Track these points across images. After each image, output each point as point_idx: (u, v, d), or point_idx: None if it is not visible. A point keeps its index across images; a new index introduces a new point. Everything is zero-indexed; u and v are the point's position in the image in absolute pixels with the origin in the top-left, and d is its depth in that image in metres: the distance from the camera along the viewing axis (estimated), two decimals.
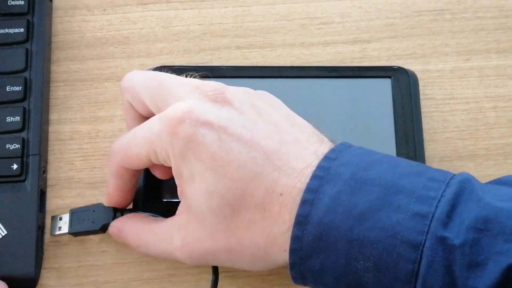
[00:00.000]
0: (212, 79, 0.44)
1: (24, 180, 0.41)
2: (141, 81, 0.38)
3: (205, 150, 0.34)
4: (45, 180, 0.43)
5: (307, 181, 0.33)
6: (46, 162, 0.44)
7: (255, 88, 0.43)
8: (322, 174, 0.33)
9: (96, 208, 0.41)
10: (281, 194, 0.33)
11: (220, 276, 0.41)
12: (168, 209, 0.39)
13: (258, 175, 0.34)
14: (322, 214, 0.32)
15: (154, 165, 0.38)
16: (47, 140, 0.44)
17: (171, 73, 0.42)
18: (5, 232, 0.40)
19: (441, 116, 0.46)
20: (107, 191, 0.40)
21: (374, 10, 0.49)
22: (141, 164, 0.37)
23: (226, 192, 0.34)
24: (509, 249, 0.29)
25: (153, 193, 0.41)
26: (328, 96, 0.44)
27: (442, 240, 0.30)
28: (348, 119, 0.44)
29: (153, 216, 0.39)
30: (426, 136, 0.44)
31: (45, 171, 0.43)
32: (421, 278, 0.30)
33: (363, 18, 0.49)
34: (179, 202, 0.38)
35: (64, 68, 0.47)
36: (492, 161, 0.45)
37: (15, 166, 0.41)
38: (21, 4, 0.46)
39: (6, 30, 0.45)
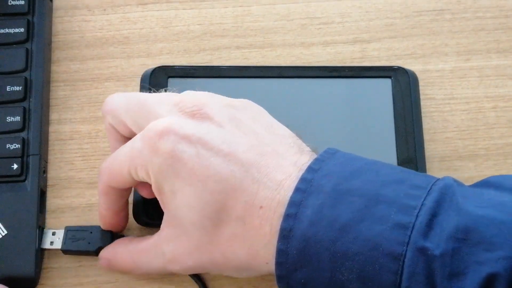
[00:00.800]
0: (212, 79, 0.45)
1: (24, 180, 0.41)
2: (121, 102, 0.38)
3: (184, 166, 0.34)
4: (45, 180, 0.43)
5: (288, 193, 0.33)
6: (46, 162, 0.44)
7: (255, 89, 0.44)
8: (305, 187, 0.33)
9: (94, 229, 0.41)
10: (261, 207, 0.33)
11: (219, 275, 0.41)
12: None
13: (237, 188, 0.34)
14: (305, 228, 0.32)
15: (139, 184, 0.39)
16: (47, 140, 0.44)
17: (170, 71, 0.43)
18: (5, 232, 0.40)
19: (441, 116, 0.46)
20: (99, 211, 0.40)
21: (374, 10, 0.49)
22: (124, 181, 0.37)
23: (205, 206, 0.34)
24: (489, 258, 0.29)
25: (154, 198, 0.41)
26: (329, 96, 0.44)
27: (423, 250, 0.30)
28: (348, 119, 0.44)
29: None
30: (426, 136, 0.44)
31: (45, 171, 0.43)
32: None
33: (363, 18, 0.49)
34: None
35: (64, 68, 0.47)
36: (492, 161, 0.45)
37: (15, 166, 0.41)
38: (21, 4, 0.46)
39: (6, 30, 0.45)
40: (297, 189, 0.33)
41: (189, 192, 0.34)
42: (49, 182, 0.43)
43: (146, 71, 0.45)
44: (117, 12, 0.49)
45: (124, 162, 0.36)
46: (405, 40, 0.48)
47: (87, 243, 0.40)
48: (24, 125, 0.43)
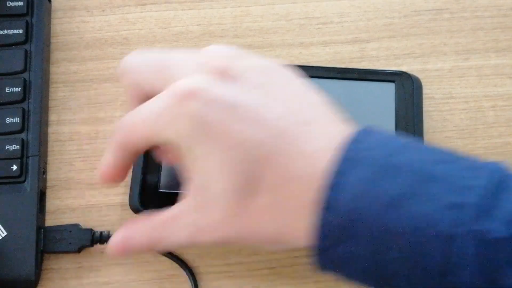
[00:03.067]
0: None
1: (24, 181, 0.41)
2: (143, 61, 0.36)
3: (214, 131, 0.32)
4: (44, 181, 0.43)
5: (324, 164, 0.31)
6: (46, 163, 0.44)
7: None
8: (346, 157, 0.31)
9: (73, 228, 0.41)
10: (294, 178, 0.31)
11: (220, 275, 0.41)
12: (164, 200, 0.39)
13: (269, 157, 0.32)
14: (349, 200, 0.30)
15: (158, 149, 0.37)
16: (46, 141, 0.44)
17: None
18: (5, 233, 0.40)
19: (440, 115, 0.46)
20: (101, 166, 0.36)
21: (372, 9, 0.49)
22: (143, 143, 0.35)
23: (235, 176, 0.32)
24: None
25: (151, 183, 0.42)
26: (332, 96, 0.44)
27: (478, 233, 0.28)
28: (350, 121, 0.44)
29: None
30: (425, 135, 0.44)
31: (44, 172, 0.43)
32: (454, 273, 0.28)
33: (361, 18, 0.49)
34: (176, 193, 0.38)
35: (63, 69, 0.47)
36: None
37: (14, 167, 0.41)
38: (20, 5, 0.46)
39: (5, 31, 0.45)
40: (338, 160, 0.31)
41: (219, 160, 0.32)
42: (49, 183, 0.43)
43: None
44: (116, 13, 0.49)
45: (148, 123, 0.34)
46: (404, 40, 0.48)
47: (68, 243, 0.41)
48: (23, 126, 0.43)
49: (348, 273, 0.32)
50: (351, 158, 0.31)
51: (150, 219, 0.36)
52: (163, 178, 0.42)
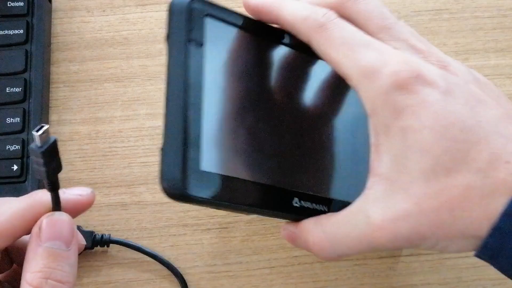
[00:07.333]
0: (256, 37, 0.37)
1: (24, 181, 0.42)
2: None
3: (427, 108, 0.31)
4: None
5: None
6: None
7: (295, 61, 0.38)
8: None
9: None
10: (507, 162, 0.30)
11: (219, 275, 0.41)
12: (208, 184, 0.30)
13: (483, 140, 0.31)
14: None
15: None
16: None
17: (209, 8, 0.35)
18: None
19: None
20: None
21: None
22: None
23: (443, 153, 0.31)
24: None
25: (190, 158, 0.30)
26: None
27: None
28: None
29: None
30: None
31: None
32: None
33: None
34: (220, 175, 0.30)
35: (64, 69, 0.47)
36: None
37: (15, 167, 0.42)
38: (21, 6, 0.46)
39: (6, 32, 0.45)
40: None
41: (426, 136, 0.31)
42: None
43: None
44: (116, 13, 0.49)
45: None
46: None
47: None
48: (24, 127, 0.43)
49: (503, 266, 0.31)
50: None
51: (324, 219, 0.34)
52: (206, 151, 0.30)
